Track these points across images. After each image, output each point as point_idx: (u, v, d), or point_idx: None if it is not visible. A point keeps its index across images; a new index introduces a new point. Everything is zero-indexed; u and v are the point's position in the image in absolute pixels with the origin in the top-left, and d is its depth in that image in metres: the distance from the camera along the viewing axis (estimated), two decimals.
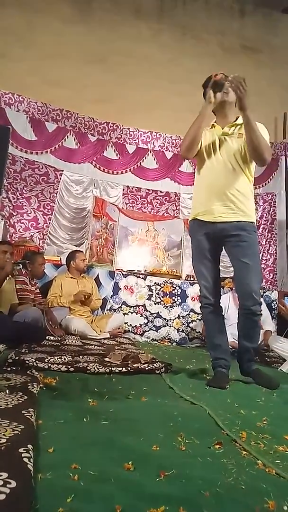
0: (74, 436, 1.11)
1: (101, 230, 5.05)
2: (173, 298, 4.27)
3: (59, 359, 2.13)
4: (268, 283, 5.61)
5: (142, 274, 4.46)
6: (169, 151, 5.78)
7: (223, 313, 2.31)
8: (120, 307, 4.12)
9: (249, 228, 2.09)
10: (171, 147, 5.78)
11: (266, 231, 5.83)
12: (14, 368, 1.88)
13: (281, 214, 5.89)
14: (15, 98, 5.03)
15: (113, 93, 5.58)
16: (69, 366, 2.01)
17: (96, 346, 3.03)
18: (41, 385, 1.61)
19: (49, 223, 5.02)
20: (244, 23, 6.56)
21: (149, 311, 4.17)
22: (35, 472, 0.85)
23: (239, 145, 2.10)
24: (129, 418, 1.33)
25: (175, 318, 4.20)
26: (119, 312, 4.07)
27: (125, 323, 4.05)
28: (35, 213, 4.97)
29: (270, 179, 5.98)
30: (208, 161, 2.17)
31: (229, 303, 3.67)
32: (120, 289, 4.19)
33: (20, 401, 1.30)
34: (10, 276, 3.09)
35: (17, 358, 2.00)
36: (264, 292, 4.40)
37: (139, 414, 1.40)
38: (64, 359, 2.17)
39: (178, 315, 4.22)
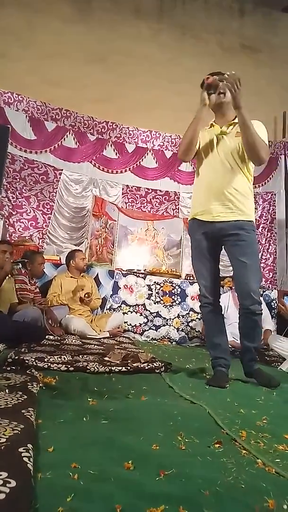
0: (74, 436, 1.11)
1: (101, 229, 5.05)
2: (173, 297, 4.27)
3: (59, 359, 2.13)
4: (268, 282, 5.62)
5: (141, 273, 4.45)
6: (169, 150, 5.78)
7: (222, 312, 2.31)
8: (120, 306, 4.11)
9: (247, 227, 2.08)
10: (170, 146, 5.77)
11: (266, 230, 5.83)
12: (13, 367, 1.87)
13: (281, 213, 5.89)
14: (15, 97, 5.03)
15: (113, 93, 5.58)
16: (69, 366, 2.01)
17: (95, 346, 3.03)
18: (40, 385, 1.61)
19: (49, 222, 5.02)
20: (243, 22, 6.56)
21: (149, 311, 4.17)
22: (35, 472, 0.85)
23: (237, 144, 2.09)
24: (129, 417, 1.33)
25: (175, 317, 4.20)
26: (119, 311, 4.06)
27: (124, 322, 4.05)
28: (34, 212, 4.97)
29: (270, 178, 5.98)
30: (206, 161, 2.17)
31: (228, 302, 3.67)
32: (120, 288, 4.18)
33: (20, 401, 1.30)
34: (9, 275, 3.08)
35: (16, 357, 2.00)
36: (263, 291, 4.41)
37: (139, 413, 1.40)
38: (64, 358, 2.17)
39: (178, 314, 4.22)
